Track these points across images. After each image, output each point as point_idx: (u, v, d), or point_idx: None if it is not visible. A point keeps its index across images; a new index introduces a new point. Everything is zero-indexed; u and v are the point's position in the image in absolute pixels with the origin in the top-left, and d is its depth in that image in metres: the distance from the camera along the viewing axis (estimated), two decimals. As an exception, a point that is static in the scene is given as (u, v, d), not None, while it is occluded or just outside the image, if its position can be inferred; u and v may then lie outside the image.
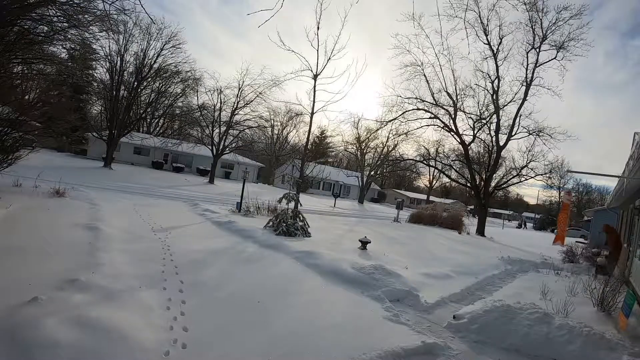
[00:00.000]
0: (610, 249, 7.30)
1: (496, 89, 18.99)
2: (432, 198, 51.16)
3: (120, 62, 24.60)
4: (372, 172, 37.12)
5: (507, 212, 60.08)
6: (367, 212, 26.78)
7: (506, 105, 19.42)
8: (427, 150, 26.69)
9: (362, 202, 37.14)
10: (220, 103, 27.05)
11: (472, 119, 20.03)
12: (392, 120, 20.29)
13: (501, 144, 19.24)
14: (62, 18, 8.87)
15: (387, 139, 31.32)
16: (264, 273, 5.33)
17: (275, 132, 47.08)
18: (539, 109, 49.74)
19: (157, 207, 11.25)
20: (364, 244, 7.92)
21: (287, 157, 40.03)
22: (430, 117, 19.93)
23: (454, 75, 22.54)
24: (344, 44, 27.22)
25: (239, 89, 26.54)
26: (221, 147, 26.87)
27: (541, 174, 19.91)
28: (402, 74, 20.51)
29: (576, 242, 18.68)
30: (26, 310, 2.79)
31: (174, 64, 26.64)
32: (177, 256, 5.47)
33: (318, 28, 11.69)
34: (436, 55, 19.02)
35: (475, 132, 20.14)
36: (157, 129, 40.82)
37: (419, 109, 19.88)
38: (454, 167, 23.36)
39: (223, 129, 26.99)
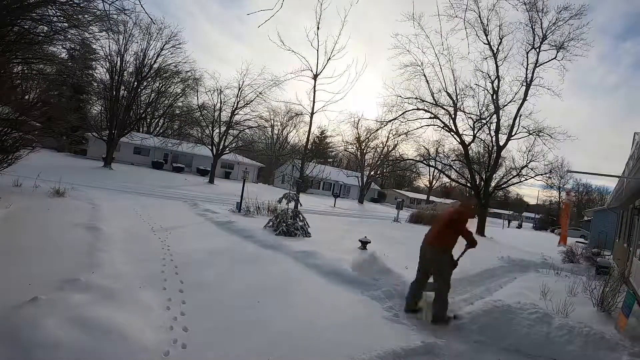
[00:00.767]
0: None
1: (496, 89, 19.00)
2: (432, 198, 51.18)
3: (120, 62, 24.63)
4: (372, 172, 37.13)
5: (507, 212, 60.04)
6: (367, 212, 26.78)
7: (506, 105, 19.43)
8: (427, 150, 26.71)
9: (362, 202, 37.14)
10: (220, 103, 27.07)
11: (472, 119, 20.04)
12: (392, 120, 20.30)
13: (501, 144, 19.24)
14: (62, 18, 8.88)
15: (387, 139, 31.35)
16: (264, 273, 5.33)
17: (275, 132, 47.16)
18: (538, 109, 49.89)
19: (157, 207, 11.26)
20: (364, 243, 7.92)
21: (287, 157, 40.03)
22: (430, 117, 19.93)
23: (454, 75, 22.48)
24: (343, 44, 27.19)
25: (239, 89, 26.56)
26: (221, 147, 26.87)
27: (541, 174, 19.95)
28: (402, 74, 20.50)
29: (576, 242, 18.69)
30: (26, 310, 2.79)
31: (173, 64, 26.68)
32: (177, 256, 5.48)
33: (318, 28, 11.69)
34: (436, 55, 19.02)
35: (475, 132, 20.15)
36: (157, 129, 40.84)
37: (419, 109, 19.88)
38: (454, 167, 23.37)
39: (223, 129, 26.99)
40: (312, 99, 12.14)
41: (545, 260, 10.73)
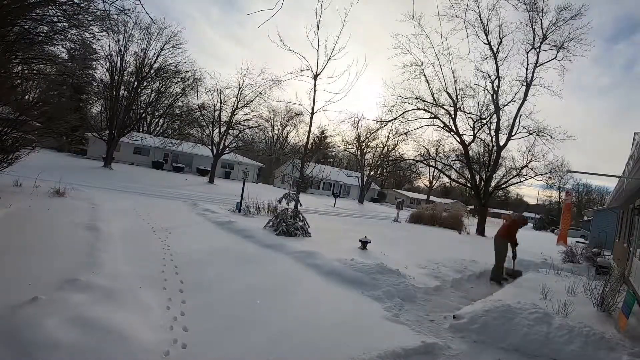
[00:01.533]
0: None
1: (496, 89, 19.01)
2: (432, 198, 51.17)
3: (120, 62, 24.62)
4: (372, 172, 37.12)
5: (507, 212, 59.99)
6: (367, 212, 26.79)
7: (506, 105, 19.45)
8: (427, 150, 26.72)
9: (362, 202, 37.15)
10: (220, 103, 27.07)
11: (472, 119, 20.05)
12: (392, 120, 20.32)
13: (501, 144, 19.25)
14: (62, 18, 8.88)
15: (387, 139, 31.37)
16: (264, 273, 5.33)
17: (275, 132, 47.14)
18: (538, 109, 49.89)
19: (157, 207, 11.26)
20: (364, 243, 7.92)
21: (287, 157, 40.03)
22: (430, 117, 19.94)
23: (454, 75, 22.49)
24: (344, 44, 27.19)
25: (239, 88, 26.55)
26: (221, 147, 26.87)
27: (541, 174, 19.94)
28: (402, 74, 20.58)
29: (576, 242, 18.69)
30: (26, 310, 2.79)
31: (174, 64, 26.68)
32: (177, 256, 5.48)
33: (318, 28, 11.69)
34: (436, 55, 19.04)
35: (475, 132, 20.16)
36: (157, 129, 40.84)
37: (419, 109, 19.90)
38: (454, 167, 23.37)
39: (223, 129, 26.99)
40: (312, 99, 12.15)
41: (545, 260, 10.73)
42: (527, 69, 18.53)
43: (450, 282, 6.51)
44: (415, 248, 9.65)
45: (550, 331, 3.81)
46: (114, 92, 24.62)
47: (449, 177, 24.90)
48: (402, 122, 20.61)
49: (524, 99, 18.56)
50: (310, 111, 12.32)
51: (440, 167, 24.42)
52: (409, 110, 19.89)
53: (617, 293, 5.04)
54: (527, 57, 18.43)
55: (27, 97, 10.34)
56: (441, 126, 20.02)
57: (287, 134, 48.85)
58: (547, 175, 20.54)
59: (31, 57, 10.04)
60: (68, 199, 9.08)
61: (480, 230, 18.35)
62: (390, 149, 33.35)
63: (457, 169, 23.56)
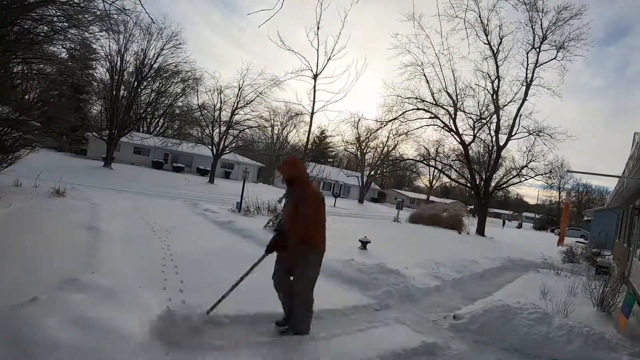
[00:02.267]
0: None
1: (496, 89, 19.02)
2: (432, 198, 51.16)
3: (120, 62, 24.64)
4: (372, 172, 37.12)
5: (507, 212, 60.07)
6: (367, 212, 26.79)
7: (506, 105, 19.46)
8: (427, 150, 26.73)
9: (362, 201, 37.16)
10: (220, 103, 27.07)
11: (472, 119, 20.06)
12: (392, 120, 20.35)
13: (501, 144, 19.27)
14: (62, 18, 8.87)
15: (387, 139, 31.37)
16: (264, 273, 5.32)
17: (275, 132, 47.11)
18: (538, 109, 49.93)
19: (157, 206, 11.26)
20: (364, 243, 7.92)
21: (287, 157, 39.96)
22: (430, 117, 19.96)
23: (454, 75, 22.51)
24: (344, 44, 27.28)
25: (239, 88, 26.55)
26: (221, 147, 26.86)
27: (541, 174, 19.96)
28: (402, 74, 20.59)
29: (576, 242, 18.69)
30: (26, 310, 2.79)
31: (174, 64, 26.69)
32: (177, 256, 5.47)
33: (318, 28, 11.70)
34: (436, 55, 19.05)
35: (475, 132, 20.18)
36: (157, 128, 40.82)
37: (419, 109, 19.91)
38: (454, 167, 23.37)
39: (223, 128, 26.98)
40: (312, 99, 12.15)
41: (545, 260, 10.74)
42: (527, 69, 18.56)
43: (450, 282, 6.50)
44: (415, 248, 9.65)
45: (550, 331, 3.81)
46: (114, 92, 24.63)
47: (449, 177, 24.92)
48: (402, 122, 20.66)
49: (524, 99, 18.59)
50: (310, 111, 12.34)
51: (440, 167, 24.43)
52: (409, 110, 19.92)
53: (617, 293, 5.05)
54: (527, 57, 18.46)
55: (27, 97, 10.33)
56: (441, 126, 20.05)
57: (287, 134, 48.86)
58: (547, 175, 20.56)
59: (31, 57, 10.03)
60: (68, 199, 9.08)
61: (480, 230, 18.35)
62: (390, 149, 33.37)
63: (457, 169, 23.58)
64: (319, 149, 51.48)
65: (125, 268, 4.53)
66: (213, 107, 27.39)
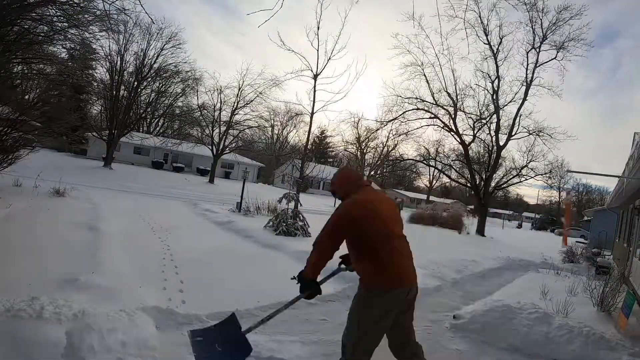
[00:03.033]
0: None
1: (496, 89, 19.01)
2: (432, 198, 51.16)
3: (120, 62, 24.64)
4: (372, 172, 37.12)
5: (507, 212, 60.06)
6: (367, 212, 26.70)
7: (506, 105, 19.45)
8: (427, 150, 26.72)
9: (362, 202, 37.04)
10: (220, 103, 27.07)
11: (472, 119, 20.05)
12: (392, 120, 20.34)
13: (501, 144, 19.26)
14: (62, 18, 8.87)
15: (387, 139, 31.37)
16: (264, 273, 5.33)
17: (275, 132, 47.11)
18: (538, 109, 49.95)
19: (157, 206, 11.26)
20: (364, 244, 7.91)
21: (287, 157, 40.03)
22: (430, 117, 19.95)
23: (454, 75, 22.49)
24: (344, 44, 27.12)
25: (239, 88, 26.55)
26: (221, 147, 26.86)
27: (541, 174, 19.96)
28: (402, 74, 20.59)
29: (576, 242, 18.69)
30: (26, 310, 2.79)
31: (174, 64, 26.68)
32: (177, 256, 5.47)
33: (318, 28, 11.67)
34: (436, 55, 19.05)
35: (475, 132, 20.17)
36: (157, 128, 40.83)
37: (419, 109, 19.90)
38: (454, 167, 23.37)
39: (223, 128, 26.98)
40: (312, 99, 12.13)
41: (545, 260, 10.74)
42: (527, 69, 18.55)
43: (450, 282, 6.51)
44: (415, 248, 9.59)
45: (550, 331, 3.80)
46: (114, 92, 24.63)
47: (449, 177, 24.93)
48: (402, 122, 20.64)
49: (524, 99, 18.57)
50: (310, 111, 12.31)
51: (440, 167, 24.43)
52: (409, 110, 19.91)
53: (617, 293, 5.04)
54: (527, 57, 18.45)
55: (27, 97, 10.34)
56: (441, 126, 20.04)
57: (287, 134, 48.86)
58: (547, 175, 20.56)
59: (31, 57, 10.03)
60: (68, 199, 9.08)
61: (480, 230, 18.35)
62: (390, 149, 33.37)
63: (457, 169, 23.57)
64: (319, 149, 51.47)
65: (125, 268, 4.53)
66: (213, 107, 27.42)
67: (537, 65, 18.32)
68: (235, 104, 26.77)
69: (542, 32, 17.77)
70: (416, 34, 26.43)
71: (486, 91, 19.55)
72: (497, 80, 18.93)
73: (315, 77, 12.03)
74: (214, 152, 26.97)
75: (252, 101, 26.71)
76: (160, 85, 29.25)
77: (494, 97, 19.09)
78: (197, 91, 28.18)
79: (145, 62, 25.38)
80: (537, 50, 18.14)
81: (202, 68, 61.47)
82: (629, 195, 9.34)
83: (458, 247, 11.34)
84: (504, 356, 3.61)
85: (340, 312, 4.17)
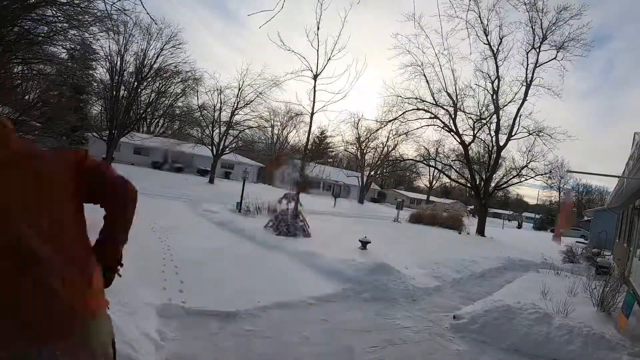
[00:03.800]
0: None
1: (496, 89, 19.00)
2: (432, 198, 51.16)
3: (120, 62, 24.60)
4: (372, 172, 37.11)
5: (507, 212, 60.04)
6: (367, 212, 26.76)
7: (506, 105, 19.44)
8: (427, 150, 26.70)
9: (362, 202, 37.12)
10: (220, 103, 27.04)
11: (472, 119, 20.04)
12: (392, 120, 20.33)
13: (501, 144, 19.25)
14: (62, 18, 8.87)
15: (387, 139, 31.32)
16: (264, 273, 5.33)
17: (275, 132, 47.10)
18: (538, 109, 49.89)
19: (157, 207, 11.25)
20: (364, 243, 7.92)
21: (287, 157, 40.02)
22: (430, 117, 19.94)
23: (454, 75, 22.43)
24: (344, 44, 27.08)
25: (239, 89, 26.52)
26: (221, 147, 26.85)
27: (541, 174, 19.94)
28: (402, 74, 20.63)
29: (576, 242, 18.69)
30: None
31: (174, 64, 26.62)
32: (177, 256, 5.47)
33: (318, 28, 11.63)
34: (436, 56, 19.03)
35: (475, 132, 20.15)
36: (157, 129, 40.80)
37: (419, 109, 19.89)
38: (454, 167, 23.37)
39: (223, 129, 26.97)
40: (312, 99, 12.12)
41: (545, 260, 10.74)
42: (527, 69, 18.54)
43: (450, 282, 6.51)
44: (416, 248, 9.65)
45: (550, 331, 3.81)
46: (114, 92, 24.60)
47: (449, 177, 24.92)
48: (402, 122, 20.64)
49: (524, 99, 18.57)
50: (310, 111, 12.30)
51: (440, 167, 24.43)
52: (409, 111, 19.90)
53: (617, 293, 5.04)
54: (527, 57, 18.44)
55: (27, 97, 10.34)
56: (441, 126, 20.03)
57: (287, 134, 48.85)
58: (547, 175, 20.54)
59: (31, 57, 10.02)
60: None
61: (480, 230, 18.34)
62: (390, 149, 33.35)
63: (457, 169, 23.56)
64: (319, 149, 51.44)
65: (125, 268, 4.52)
66: (213, 107, 27.39)
67: (537, 65, 18.33)
68: (235, 104, 26.77)
69: (542, 32, 17.78)
70: (416, 34, 26.44)
71: (486, 91, 19.57)
72: (497, 80, 18.94)
73: (315, 77, 12.02)
74: (214, 153, 26.96)
75: (252, 101, 26.71)
76: (160, 85, 29.22)
77: (494, 97, 19.09)
78: (197, 91, 28.16)
79: (145, 62, 25.37)
80: (537, 50, 18.16)
81: (202, 68, 61.44)
82: (629, 195, 9.35)
83: (458, 247, 11.34)
84: (504, 356, 3.61)
85: (340, 312, 4.17)
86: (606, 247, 14.72)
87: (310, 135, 14.31)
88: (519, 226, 44.05)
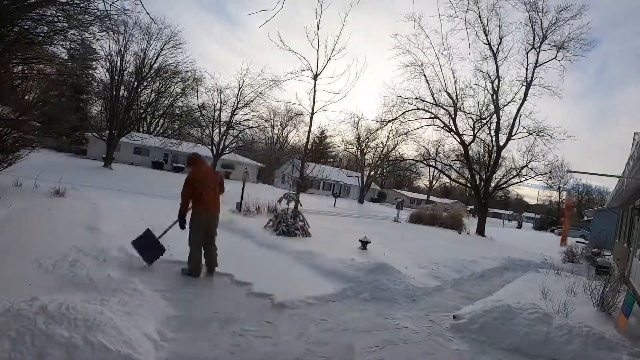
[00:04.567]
0: None
1: (496, 89, 18.99)
2: (432, 198, 51.16)
3: (120, 62, 24.61)
4: (372, 172, 37.11)
5: (507, 212, 60.05)
6: (367, 212, 26.77)
7: (506, 105, 19.42)
8: (427, 150, 26.69)
9: (362, 202, 37.15)
10: (220, 103, 27.06)
11: (472, 119, 20.03)
12: (392, 120, 20.31)
13: (501, 144, 19.23)
14: (62, 18, 8.87)
15: (387, 139, 31.34)
16: (264, 273, 5.32)
17: (275, 132, 47.09)
18: (538, 109, 49.89)
19: (157, 207, 11.23)
20: (364, 243, 7.92)
21: (287, 157, 40.02)
22: (430, 117, 19.92)
23: (454, 75, 22.46)
24: (344, 44, 27.09)
25: (239, 88, 26.54)
26: (221, 147, 26.85)
27: (541, 174, 19.91)
28: (402, 74, 20.52)
29: (576, 242, 18.68)
30: (26, 311, 2.79)
31: (174, 64, 26.64)
32: (177, 256, 5.46)
33: (318, 28, 11.65)
34: (436, 56, 19.01)
35: (475, 132, 20.13)
36: (157, 129, 40.81)
37: (419, 109, 19.87)
38: (454, 167, 23.35)
39: (223, 129, 26.97)
40: (312, 99, 12.12)
41: (545, 260, 10.74)
42: (527, 69, 18.53)
43: (450, 282, 6.51)
44: (415, 248, 9.65)
45: (550, 331, 3.81)
46: (114, 92, 24.61)
47: (449, 177, 24.86)
48: (402, 122, 20.61)
49: (524, 99, 18.55)
50: (310, 111, 12.30)
51: (440, 167, 24.39)
52: (409, 110, 19.87)
53: (617, 293, 5.04)
54: (527, 57, 18.42)
55: (27, 97, 10.32)
56: (441, 126, 20.01)
57: (287, 134, 48.84)
58: (547, 175, 20.52)
59: (31, 57, 10.02)
60: (68, 199, 9.07)
61: (480, 230, 18.33)
62: (390, 149, 33.35)
63: (457, 169, 23.53)
64: (319, 149, 51.46)
65: (125, 267, 4.53)
66: (213, 107, 27.40)
67: (537, 65, 18.32)
68: (235, 104, 26.79)
69: (542, 32, 17.76)
70: (416, 34, 26.45)
71: (486, 91, 19.55)
72: (497, 80, 18.93)
73: (315, 77, 12.02)
74: (214, 152, 26.96)
75: (252, 101, 26.72)
76: (160, 85, 29.23)
77: (494, 97, 19.08)
78: (197, 91, 28.18)
79: (145, 62, 25.37)
80: (537, 50, 18.14)
81: (202, 68, 61.52)
82: (629, 195, 9.34)
83: (458, 247, 11.34)
84: (503, 356, 3.61)
85: (340, 312, 4.17)
86: (606, 247, 14.72)
87: (310, 135, 14.32)
88: (519, 226, 44.05)
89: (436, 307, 4.95)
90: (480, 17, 18.11)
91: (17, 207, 6.95)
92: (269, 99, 26.82)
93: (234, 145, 28.39)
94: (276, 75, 28.88)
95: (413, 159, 26.44)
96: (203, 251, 4.82)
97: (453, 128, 19.60)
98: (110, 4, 5.41)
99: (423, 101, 19.62)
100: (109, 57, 24.04)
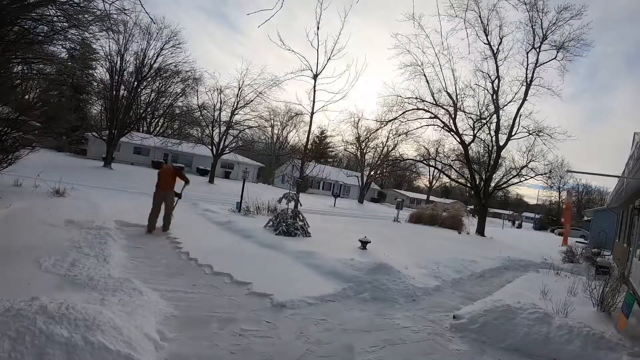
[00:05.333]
0: None
1: (496, 89, 18.99)
2: (432, 198, 51.15)
3: (120, 62, 24.58)
4: (372, 172, 37.11)
5: (507, 212, 60.04)
6: (367, 212, 26.77)
7: (506, 105, 19.42)
8: (427, 150, 26.69)
9: (362, 202, 37.14)
10: (220, 103, 27.03)
11: (472, 119, 20.03)
12: (392, 120, 20.30)
13: (501, 144, 19.23)
14: (62, 18, 8.85)
15: (387, 139, 31.37)
16: (263, 273, 5.32)
17: (275, 132, 47.10)
18: (538, 109, 49.89)
19: (157, 207, 11.23)
20: (364, 243, 7.92)
21: (287, 157, 40.02)
22: (430, 117, 19.91)
23: (454, 75, 22.47)
24: (344, 44, 27.13)
25: (239, 88, 26.51)
26: (221, 147, 26.84)
27: (541, 174, 19.91)
28: (402, 74, 20.56)
29: (576, 242, 18.69)
30: (26, 310, 2.79)
31: (174, 64, 26.58)
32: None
33: (318, 28, 11.66)
34: (436, 55, 19.01)
35: (475, 132, 20.13)
36: (157, 128, 40.79)
37: (419, 109, 19.87)
38: (454, 167, 23.35)
39: (223, 128, 26.96)
40: (312, 99, 12.13)
41: (545, 260, 10.74)
42: (527, 69, 18.52)
43: (450, 282, 6.51)
44: (415, 248, 9.65)
45: (550, 331, 3.81)
46: (114, 92, 24.58)
47: (449, 177, 24.86)
48: (402, 122, 20.60)
49: (524, 99, 18.55)
50: (310, 111, 12.31)
51: (440, 167, 24.39)
52: (409, 110, 19.87)
53: (617, 293, 5.04)
54: (527, 57, 18.42)
55: (27, 97, 10.33)
56: (441, 126, 20.00)
57: (287, 134, 48.84)
58: (547, 175, 20.52)
59: (31, 57, 10.00)
60: (68, 199, 9.07)
61: (480, 230, 18.33)
62: (390, 149, 33.36)
63: (457, 169, 23.53)
64: (319, 149, 51.45)
65: (126, 268, 4.53)
66: (213, 107, 27.36)
67: (537, 65, 18.31)
68: (235, 104, 26.76)
69: (542, 32, 17.76)
70: (416, 34, 26.52)
71: (486, 91, 19.55)
72: (497, 80, 18.92)
73: (315, 77, 12.03)
74: (214, 152, 26.95)
75: (252, 101, 26.69)
76: (160, 85, 29.18)
77: (494, 97, 19.08)
78: (197, 91, 28.12)
79: (145, 62, 25.33)
80: (537, 50, 18.13)
81: (202, 68, 61.46)
82: (629, 195, 9.35)
83: (458, 247, 11.34)
84: (503, 356, 3.61)
85: (340, 312, 4.17)
86: (606, 247, 14.72)
87: (310, 135, 14.32)
88: (519, 226, 44.06)
89: (436, 307, 4.96)
90: (480, 17, 18.13)
91: (17, 207, 6.95)
92: (269, 98, 26.81)
93: (233, 145, 28.37)
94: (276, 76, 28.89)
95: (413, 159, 26.45)
96: (163, 215, 7.44)
97: (453, 128, 19.60)
98: (110, 4, 5.41)
99: (423, 101, 19.63)
100: (109, 57, 24.01)
